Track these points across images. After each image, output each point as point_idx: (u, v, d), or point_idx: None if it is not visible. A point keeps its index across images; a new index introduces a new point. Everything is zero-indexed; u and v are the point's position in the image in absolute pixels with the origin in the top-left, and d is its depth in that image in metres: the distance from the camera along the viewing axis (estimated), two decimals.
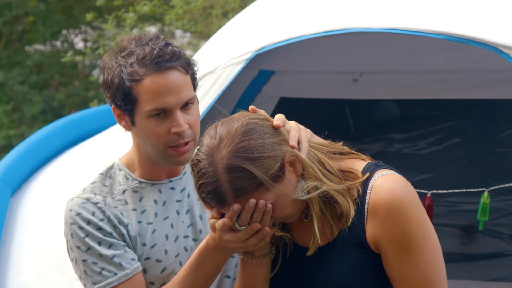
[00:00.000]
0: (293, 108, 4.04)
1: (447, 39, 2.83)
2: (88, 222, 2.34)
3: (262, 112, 2.23)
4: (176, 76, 2.30)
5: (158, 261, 2.38)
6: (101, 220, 2.35)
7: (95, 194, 2.38)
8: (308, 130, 2.27)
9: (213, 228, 2.19)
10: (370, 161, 2.25)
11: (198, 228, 2.43)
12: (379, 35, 3.28)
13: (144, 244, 2.38)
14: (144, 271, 2.38)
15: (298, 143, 2.18)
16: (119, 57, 2.32)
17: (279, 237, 2.27)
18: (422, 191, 3.86)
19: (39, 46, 12.49)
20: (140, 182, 2.42)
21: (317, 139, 2.30)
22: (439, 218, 4.18)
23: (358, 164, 2.23)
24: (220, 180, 2.09)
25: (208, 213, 2.32)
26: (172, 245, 2.40)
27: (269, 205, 2.12)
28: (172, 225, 2.41)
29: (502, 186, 3.93)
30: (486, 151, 4.26)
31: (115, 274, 2.33)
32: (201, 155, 2.13)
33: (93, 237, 2.33)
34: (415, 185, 2.26)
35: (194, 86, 2.38)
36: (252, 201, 2.10)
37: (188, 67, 2.34)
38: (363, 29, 2.93)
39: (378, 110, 4.45)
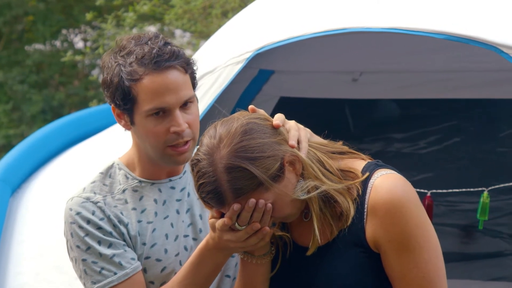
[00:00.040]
0: (292, 107, 4.03)
1: (447, 38, 2.83)
2: (88, 221, 2.34)
3: (261, 111, 2.23)
4: (175, 76, 2.30)
5: (158, 260, 2.38)
6: (101, 219, 2.35)
7: (95, 193, 2.38)
8: (308, 130, 2.27)
9: (213, 227, 2.19)
10: (369, 160, 2.25)
11: (198, 228, 2.43)
12: (379, 35, 3.28)
13: (144, 244, 2.38)
14: (144, 270, 2.38)
15: (298, 142, 2.18)
16: (118, 57, 2.32)
17: (279, 236, 2.27)
18: (422, 190, 3.86)
19: (38, 46, 12.49)
20: (140, 181, 2.42)
21: (317, 138, 2.30)
22: (439, 217, 4.18)
23: (358, 163, 2.23)
24: (220, 180, 2.09)
25: (208, 213, 2.32)
26: (172, 244, 2.40)
27: (269, 205, 2.12)
28: (172, 225, 2.41)
29: (502, 185, 3.93)
30: (486, 150, 4.26)
31: (115, 273, 2.33)
32: (201, 155, 2.13)
33: (93, 236, 2.33)
34: (415, 184, 2.26)
35: (194, 86, 2.38)
36: (252, 200, 2.10)
37: (187, 67, 2.34)
38: (363, 29, 2.93)
39: (378, 109, 4.45)
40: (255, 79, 4.17)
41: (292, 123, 2.22)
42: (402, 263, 2.12)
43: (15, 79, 11.59)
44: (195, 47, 7.22)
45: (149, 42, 2.32)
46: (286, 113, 2.24)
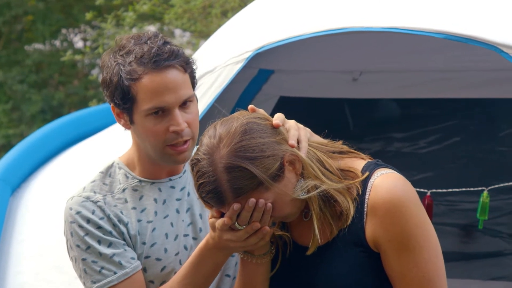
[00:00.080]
0: (292, 107, 4.03)
1: (447, 38, 2.83)
2: (88, 220, 2.34)
3: (261, 111, 2.23)
4: (174, 75, 2.30)
5: (158, 259, 2.38)
6: (101, 218, 2.35)
7: (95, 192, 2.38)
8: (308, 129, 2.27)
9: (213, 227, 2.19)
10: (369, 160, 2.25)
11: (198, 227, 2.43)
12: (379, 34, 3.28)
13: (144, 243, 2.38)
14: (144, 269, 2.38)
15: (298, 142, 2.18)
16: (117, 56, 2.32)
17: (278, 236, 2.27)
18: (422, 190, 3.86)
19: (38, 45, 12.49)
20: (140, 180, 2.42)
21: (317, 138, 2.30)
22: (439, 217, 4.18)
23: (358, 163, 2.23)
24: (220, 179, 2.09)
25: (208, 212, 2.32)
26: (172, 243, 2.39)
27: (269, 204, 2.12)
28: (172, 224, 2.41)
29: (502, 185, 3.93)
30: (485, 150, 4.26)
31: (115, 273, 2.33)
32: (201, 155, 2.13)
33: (92, 235, 2.33)
34: (415, 184, 2.26)
35: (193, 85, 2.37)
36: (252, 200, 2.10)
37: (187, 66, 2.34)
38: (362, 28, 2.93)
39: (378, 109, 4.45)
40: (255, 78, 4.17)
41: (292, 123, 2.22)
42: (402, 262, 2.11)
43: (14, 78, 11.59)
44: (195, 47, 7.22)
45: (148, 41, 2.32)
46: (286, 113, 2.24)
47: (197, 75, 2.44)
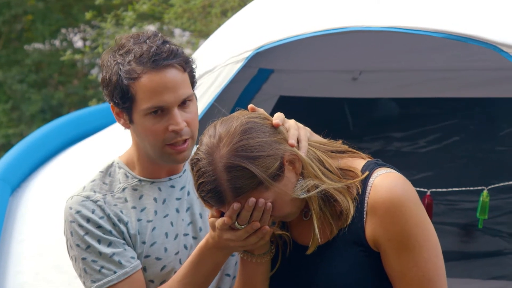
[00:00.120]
0: (292, 106, 4.02)
1: (447, 37, 2.83)
2: (88, 220, 2.34)
3: (261, 110, 2.22)
4: (173, 74, 2.30)
5: (158, 259, 2.38)
6: (101, 218, 2.35)
7: (94, 192, 2.38)
8: (308, 129, 2.27)
9: (213, 227, 2.19)
10: (369, 159, 2.25)
11: (198, 226, 2.43)
12: (379, 34, 3.28)
13: (144, 242, 2.38)
14: (144, 269, 2.38)
15: (298, 141, 2.18)
16: (117, 55, 2.32)
17: (278, 235, 2.27)
18: (422, 189, 3.86)
19: (38, 45, 12.49)
20: (139, 180, 2.42)
21: (317, 137, 2.30)
22: (439, 216, 4.18)
23: (358, 162, 2.23)
24: (220, 179, 2.09)
25: (208, 211, 2.32)
26: (172, 243, 2.39)
27: (269, 204, 2.12)
28: (171, 223, 2.41)
29: (502, 184, 3.93)
30: (485, 149, 4.26)
31: (115, 272, 2.32)
32: (201, 154, 2.12)
33: (92, 235, 2.33)
34: (415, 183, 2.26)
35: (193, 84, 2.37)
36: (252, 200, 2.10)
37: (186, 65, 2.34)
38: (362, 28, 2.93)
39: (377, 108, 4.45)
40: (255, 78, 4.17)
41: (291, 122, 2.22)
42: (402, 262, 2.11)
43: (14, 78, 11.58)
44: (195, 46, 7.22)
45: (147, 40, 2.31)
46: (285, 112, 2.24)
47: (197, 74, 2.43)
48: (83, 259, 2.34)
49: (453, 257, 4.24)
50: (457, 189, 4.02)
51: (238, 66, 3.13)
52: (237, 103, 4.02)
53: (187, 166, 2.46)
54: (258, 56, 3.25)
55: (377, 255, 2.15)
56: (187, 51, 6.95)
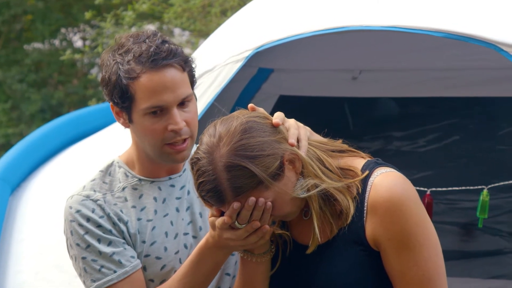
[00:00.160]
0: (292, 106, 4.03)
1: (447, 37, 2.83)
2: (88, 219, 2.34)
3: (261, 110, 2.22)
4: (172, 74, 2.30)
5: (158, 258, 2.38)
6: (101, 217, 2.35)
7: (94, 191, 2.38)
8: (308, 128, 2.27)
9: (213, 226, 2.19)
10: (369, 159, 2.25)
11: (198, 225, 2.43)
12: (378, 33, 3.28)
13: (144, 241, 2.37)
14: (144, 268, 2.38)
15: (298, 141, 2.17)
16: (116, 55, 2.32)
17: (278, 235, 2.27)
18: (422, 188, 3.86)
19: (37, 45, 12.48)
20: (139, 179, 2.42)
21: (317, 137, 2.30)
22: (439, 215, 4.18)
23: (358, 162, 2.23)
24: (220, 178, 2.09)
25: (208, 211, 2.32)
26: (172, 242, 2.39)
27: (269, 203, 2.12)
28: (171, 222, 2.41)
29: (502, 183, 3.93)
30: (485, 148, 4.26)
31: (115, 271, 2.32)
32: (201, 154, 2.12)
33: (92, 234, 2.33)
34: (415, 182, 2.26)
35: (192, 84, 2.37)
36: (252, 199, 2.10)
37: (185, 65, 2.33)
38: (362, 27, 2.93)
39: (377, 108, 4.45)
40: (255, 77, 4.17)
41: (291, 122, 2.22)
42: (402, 261, 2.11)
43: (14, 78, 11.58)
44: (194, 46, 7.22)
45: (147, 40, 2.31)
46: (285, 112, 2.24)
47: (197, 74, 2.43)
48: (83, 258, 2.34)
49: (453, 256, 4.25)
50: (457, 188, 4.02)
51: (238, 65, 3.13)
52: (237, 102, 4.02)
53: (187, 165, 2.46)
54: (258, 56, 3.25)
55: (377, 255, 2.15)
56: (186, 50, 6.95)
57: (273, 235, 2.26)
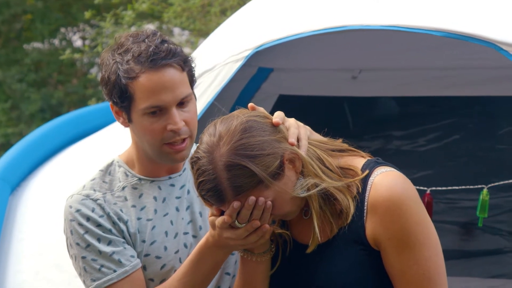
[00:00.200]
0: (292, 105, 4.03)
1: (446, 36, 2.83)
2: (88, 218, 2.34)
3: (261, 109, 2.22)
4: (171, 74, 2.30)
5: (158, 257, 2.38)
6: (101, 216, 2.34)
7: (94, 190, 2.38)
8: (308, 127, 2.27)
9: (213, 225, 2.19)
10: (369, 158, 2.25)
11: (198, 225, 2.43)
12: (378, 32, 3.28)
13: (144, 241, 2.37)
14: (144, 267, 2.38)
15: (298, 140, 2.17)
16: (116, 54, 2.32)
17: (278, 234, 2.27)
18: (422, 188, 3.86)
19: (37, 44, 12.48)
20: (139, 179, 2.42)
21: (317, 136, 2.30)
22: (439, 215, 4.18)
23: (358, 161, 2.23)
24: (220, 177, 2.09)
25: (208, 210, 2.32)
26: (172, 241, 2.39)
27: (269, 203, 2.12)
28: (171, 222, 2.40)
29: (502, 183, 3.93)
30: (485, 148, 4.26)
31: (114, 271, 2.32)
32: (201, 153, 2.12)
33: (92, 233, 2.33)
34: (415, 182, 2.26)
35: (192, 83, 2.37)
36: (252, 198, 2.10)
37: (185, 64, 2.33)
38: (362, 26, 2.93)
39: (377, 107, 4.46)
40: (254, 77, 4.17)
41: (291, 121, 2.22)
42: (402, 260, 2.11)
43: (13, 77, 11.58)
44: (194, 45, 7.22)
45: (146, 39, 2.31)
46: (285, 111, 2.24)
47: (196, 73, 2.43)
48: (83, 257, 2.34)
49: (453, 255, 4.25)
50: (457, 187, 4.02)
51: (237, 65, 3.13)
52: (237, 102, 4.02)
53: (187, 164, 2.46)
54: (258, 55, 3.25)
55: (377, 254, 2.15)
56: (186, 50, 6.95)
57: (273, 235, 2.26)
